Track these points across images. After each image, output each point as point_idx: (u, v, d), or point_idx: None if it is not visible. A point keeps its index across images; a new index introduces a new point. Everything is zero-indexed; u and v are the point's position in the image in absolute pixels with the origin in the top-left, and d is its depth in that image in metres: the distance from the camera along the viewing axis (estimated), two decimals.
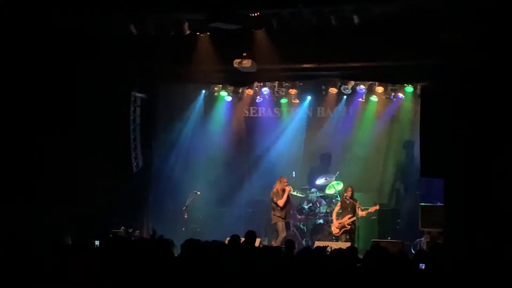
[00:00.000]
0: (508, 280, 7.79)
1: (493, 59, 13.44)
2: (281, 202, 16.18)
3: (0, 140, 15.53)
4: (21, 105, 15.60)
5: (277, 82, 18.30)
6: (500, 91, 13.44)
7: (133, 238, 13.85)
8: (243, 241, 10.66)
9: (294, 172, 18.13)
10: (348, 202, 16.11)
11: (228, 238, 10.66)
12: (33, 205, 15.09)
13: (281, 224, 16.15)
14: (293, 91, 18.40)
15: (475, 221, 13.44)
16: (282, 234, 15.98)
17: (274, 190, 16.40)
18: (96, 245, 9.70)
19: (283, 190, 16.29)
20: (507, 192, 13.27)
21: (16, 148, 15.61)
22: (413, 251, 14.89)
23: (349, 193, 16.19)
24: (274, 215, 16.33)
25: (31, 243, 8.00)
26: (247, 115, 19.46)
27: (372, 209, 16.05)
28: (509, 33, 13.26)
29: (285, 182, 16.39)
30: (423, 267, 10.48)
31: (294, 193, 17.69)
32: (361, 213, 15.98)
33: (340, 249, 9.27)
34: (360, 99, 18.03)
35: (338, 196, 16.94)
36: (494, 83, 13.49)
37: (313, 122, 18.95)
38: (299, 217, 17.59)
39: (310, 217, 17.57)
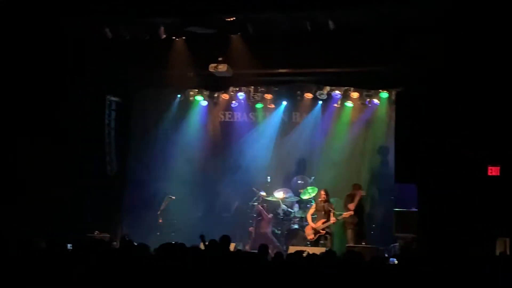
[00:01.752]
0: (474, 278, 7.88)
1: (465, 64, 13.55)
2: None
3: None
4: None
5: (252, 87, 18.32)
6: (474, 96, 13.55)
7: (107, 242, 13.78)
8: (218, 246, 10.63)
9: (269, 177, 18.13)
10: (322, 205, 16.13)
11: (202, 243, 10.65)
12: (5, 208, 14.94)
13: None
14: (268, 96, 18.42)
15: (448, 227, 13.54)
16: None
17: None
18: (69, 249, 9.62)
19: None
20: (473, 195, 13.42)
21: None
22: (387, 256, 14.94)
23: (322, 197, 16.19)
24: None
25: (2, 247, 7.92)
26: (222, 119, 19.44)
27: (346, 214, 16.05)
28: (479, 37, 13.38)
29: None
30: (395, 261, 10.57)
31: (269, 198, 17.71)
32: (332, 219, 15.95)
33: (315, 254, 9.28)
34: (335, 105, 18.08)
35: (313, 201, 16.95)
36: (469, 89, 13.60)
37: (289, 127, 18.96)
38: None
39: (285, 222, 17.55)
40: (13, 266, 7.52)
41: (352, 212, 16.09)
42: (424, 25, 13.60)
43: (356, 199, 15.93)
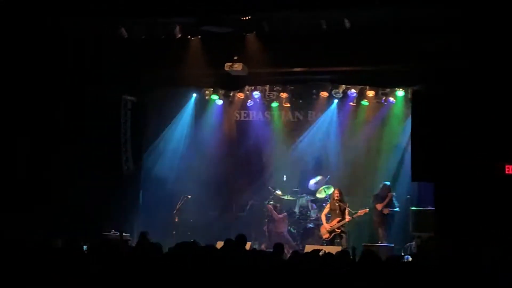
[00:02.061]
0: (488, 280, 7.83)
1: (482, 62, 13.47)
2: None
3: None
4: (12, 107, 15.55)
5: (268, 86, 18.31)
6: (491, 95, 13.46)
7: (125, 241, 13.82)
8: (233, 245, 10.63)
9: (284, 176, 18.13)
10: (337, 204, 16.08)
11: (219, 242, 10.65)
12: (23, 209, 15.01)
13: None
14: (284, 95, 18.41)
15: (465, 226, 13.46)
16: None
17: None
18: (85, 249, 9.66)
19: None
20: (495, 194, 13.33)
21: (7, 150, 15.55)
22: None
23: (337, 196, 16.15)
24: None
25: (20, 247, 7.96)
26: (238, 118, 19.44)
27: (361, 212, 15.99)
28: (497, 37, 13.30)
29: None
30: (409, 259, 10.53)
31: (285, 197, 17.71)
32: (347, 218, 15.92)
33: (330, 253, 9.25)
34: (351, 103, 18.04)
35: (329, 200, 16.92)
36: (485, 87, 13.51)
37: (304, 126, 18.94)
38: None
39: (301, 221, 17.55)
40: (29, 266, 7.56)
41: (367, 210, 16.06)
42: (441, 24, 13.53)
43: (386, 200, 15.89)
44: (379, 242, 15.86)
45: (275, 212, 17.25)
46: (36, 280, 7.24)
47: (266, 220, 17.46)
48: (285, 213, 17.39)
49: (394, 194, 16.33)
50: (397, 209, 16.33)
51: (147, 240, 11.15)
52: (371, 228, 16.92)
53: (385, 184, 16.29)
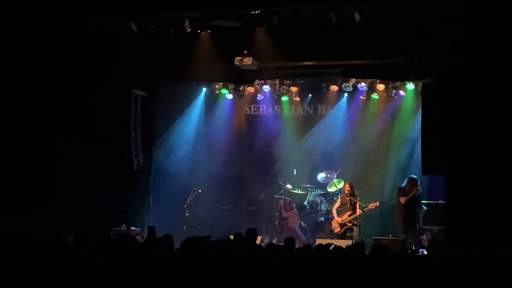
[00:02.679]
0: (502, 276, 7.81)
1: (494, 57, 13.42)
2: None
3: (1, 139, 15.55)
4: (22, 104, 15.61)
5: (278, 79, 18.32)
6: (502, 88, 13.41)
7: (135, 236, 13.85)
8: (244, 239, 10.65)
9: (295, 170, 18.13)
10: (347, 198, 16.06)
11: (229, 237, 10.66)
12: (34, 204, 15.08)
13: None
14: (294, 89, 18.40)
15: (476, 219, 13.43)
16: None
17: None
18: (96, 244, 9.68)
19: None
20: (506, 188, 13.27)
21: (15, 147, 15.61)
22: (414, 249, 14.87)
23: (347, 189, 16.12)
24: None
25: (32, 242, 7.99)
26: (248, 113, 19.44)
27: (372, 205, 15.95)
28: (508, 30, 13.25)
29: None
30: (424, 252, 10.51)
31: (295, 190, 17.71)
32: (358, 211, 15.89)
33: (340, 247, 9.25)
34: (361, 97, 18.01)
35: (339, 194, 16.91)
36: (495, 81, 13.46)
37: (314, 120, 18.93)
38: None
39: (311, 215, 17.54)
40: (40, 260, 7.59)
41: (377, 204, 16.02)
42: (451, 17, 13.48)
43: (411, 194, 15.62)
44: (390, 235, 15.82)
45: (284, 209, 17.21)
46: (46, 275, 7.28)
47: (277, 214, 17.48)
48: (295, 209, 17.36)
49: (419, 189, 15.73)
50: (424, 207, 15.92)
51: (154, 235, 11.17)
52: (385, 221, 16.88)
53: (412, 177, 15.80)
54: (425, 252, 12.31)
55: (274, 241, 16.28)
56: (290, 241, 10.61)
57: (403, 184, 15.88)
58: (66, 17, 14.96)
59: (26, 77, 15.55)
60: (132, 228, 15.57)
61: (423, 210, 15.64)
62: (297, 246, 11.88)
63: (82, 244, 8.88)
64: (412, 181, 15.69)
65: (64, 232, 10.69)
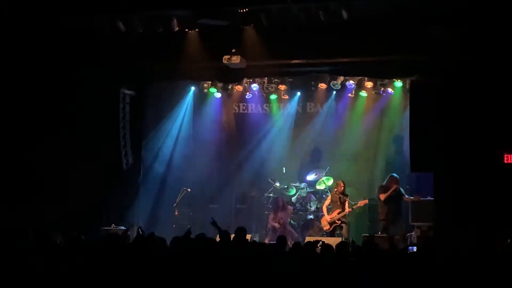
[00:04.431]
0: (500, 272, 7.83)
1: (481, 54, 13.48)
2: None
3: None
4: (8, 102, 15.56)
5: (266, 78, 18.31)
6: (489, 84, 13.47)
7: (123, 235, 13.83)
8: (233, 238, 10.65)
9: (284, 168, 18.15)
10: (338, 196, 16.09)
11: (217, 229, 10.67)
12: (22, 203, 15.03)
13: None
14: (282, 87, 18.41)
15: (465, 215, 13.49)
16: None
17: None
18: (85, 243, 9.65)
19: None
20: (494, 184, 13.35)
21: (6, 147, 15.56)
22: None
23: (340, 188, 16.14)
24: None
25: (20, 242, 7.96)
26: (236, 111, 19.44)
27: (361, 203, 16.00)
28: (496, 29, 13.31)
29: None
30: (414, 249, 10.54)
31: (284, 189, 17.73)
32: (347, 209, 15.94)
33: (329, 244, 9.27)
34: (350, 94, 18.03)
35: (329, 192, 16.94)
36: (483, 78, 13.52)
37: (303, 118, 18.95)
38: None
39: (301, 212, 17.57)
40: (29, 259, 7.57)
41: (366, 201, 16.10)
42: (438, 15, 13.54)
43: (390, 191, 15.67)
44: (379, 233, 15.87)
45: (280, 209, 17.08)
46: (37, 275, 7.26)
47: (266, 212, 17.48)
48: (290, 207, 17.31)
49: (399, 187, 15.81)
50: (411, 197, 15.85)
51: (143, 233, 11.18)
52: (373, 219, 16.95)
53: (392, 176, 15.99)
54: (415, 249, 12.33)
55: (267, 240, 16.24)
56: (282, 239, 10.61)
57: (384, 182, 16.02)
58: (54, 16, 14.90)
59: (12, 76, 15.49)
60: (122, 227, 15.54)
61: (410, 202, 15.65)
62: (289, 244, 11.92)
63: (72, 243, 8.85)
64: (392, 179, 15.80)
65: (53, 231, 10.67)
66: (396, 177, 15.84)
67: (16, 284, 7.31)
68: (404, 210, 15.96)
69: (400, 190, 15.77)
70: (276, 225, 16.70)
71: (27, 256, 7.57)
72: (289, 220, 17.28)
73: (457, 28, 13.44)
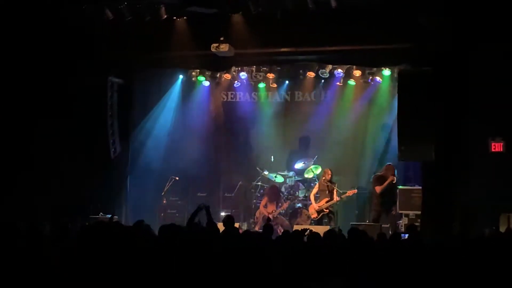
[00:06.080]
0: (490, 260, 7.87)
1: (469, 42, 13.52)
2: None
3: None
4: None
5: (254, 66, 18.30)
6: (476, 74, 13.52)
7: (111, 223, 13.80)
8: (223, 226, 10.66)
9: (272, 157, 18.16)
10: (326, 184, 16.12)
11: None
12: (7, 192, 14.99)
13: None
14: (271, 76, 18.40)
15: (452, 204, 13.56)
16: None
17: None
18: (73, 232, 9.63)
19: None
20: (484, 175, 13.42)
21: None
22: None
23: (328, 176, 16.17)
24: None
25: (8, 233, 7.92)
26: (225, 99, 19.41)
27: (350, 192, 16.06)
28: (484, 18, 13.35)
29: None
30: (406, 236, 10.58)
31: (272, 177, 17.74)
32: (335, 198, 15.96)
33: (316, 233, 9.29)
34: (338, 83, 18.04)
35: (317, 180, 16.96)
36: (471, 66, 13.57)
37: (291, 106, 18.94)
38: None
39: (289, 201, 17.58)
40: (18, 250, 7.53)
41: (355, 191, 16.14)
42: (426, 4, 13.56)
43: (386, 183, 15.62)
44: (367, 221, 15.92)
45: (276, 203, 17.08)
46: (25, 264, 7.24)
47: (255, 201, 17.51)
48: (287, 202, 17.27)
49: (396, 177, 15.70)
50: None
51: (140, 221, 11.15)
52: (362, 207, 17.01)
53: (389, 165, 15.81)
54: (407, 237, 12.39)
55: (257, 228, 16.23)
56: (268, 227, 10.64)
57: (380, 172, 15.95)
58: (42, 4, 14.82)
59: (4, 60, 15.42)
60: (108, 215, 15.53)
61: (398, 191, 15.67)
62: (278, 232, 11.92)
63: (60, 233, 8.83)
64: (388, 168, 15.75)
65: (40, 221, 10.63)
66: (393, 166, 15.74)
67: (7, 275, 7.29)
68: None
69: (395, 181, 15.67)
70: (267, 214, 16.68)
71: (17, 247, 7.53)
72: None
73: (445, 16, 13.46)
